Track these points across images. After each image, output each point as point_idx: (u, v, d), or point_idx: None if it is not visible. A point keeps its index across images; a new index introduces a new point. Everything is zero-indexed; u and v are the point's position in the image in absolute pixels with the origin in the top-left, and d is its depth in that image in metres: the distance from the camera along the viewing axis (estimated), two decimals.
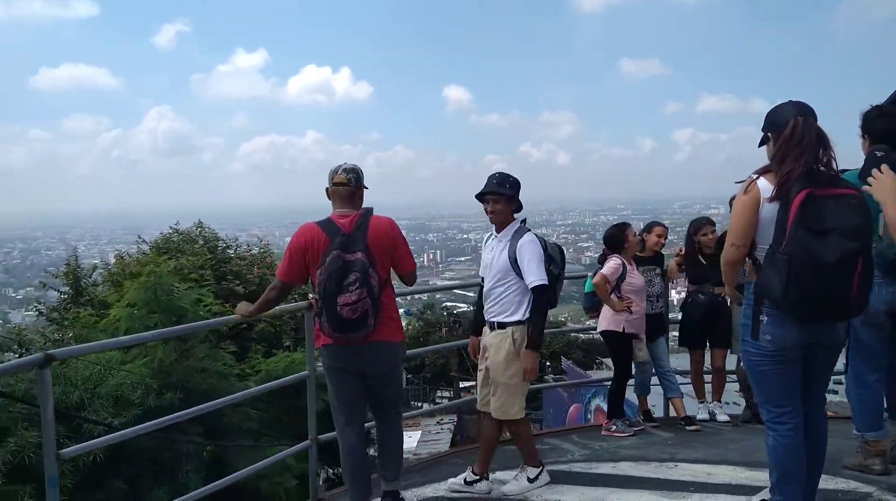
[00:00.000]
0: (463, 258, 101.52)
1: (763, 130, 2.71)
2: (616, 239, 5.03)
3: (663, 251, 5.48)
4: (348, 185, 3.31)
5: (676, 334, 5.56)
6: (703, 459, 4.08)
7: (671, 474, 3.80)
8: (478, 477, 3.79)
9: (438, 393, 26.26)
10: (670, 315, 5.64)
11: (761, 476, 3.60)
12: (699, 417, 5.32)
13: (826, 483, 3.09)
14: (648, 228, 5.36)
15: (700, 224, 5.31)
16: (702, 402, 5.48)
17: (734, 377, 5.66)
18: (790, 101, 2.63)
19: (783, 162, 2.51)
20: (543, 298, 3.59)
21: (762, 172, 2.60)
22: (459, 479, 3.83)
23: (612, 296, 4.89)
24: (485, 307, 3.82)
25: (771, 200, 2.51)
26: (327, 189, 3.37)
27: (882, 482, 3.24)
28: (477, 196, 3.74)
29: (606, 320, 5.01)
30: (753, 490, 3.33)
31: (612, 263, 4.91)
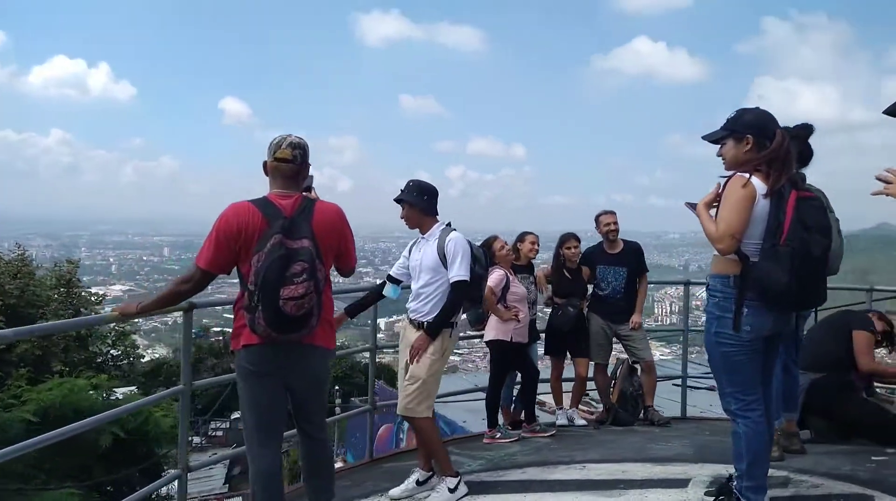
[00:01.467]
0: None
1: (731, 128, 2.86)
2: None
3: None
4: (293, 162, 2.85)
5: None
6: (603, 459, 4.20)
7: (589, 474, 3.84)
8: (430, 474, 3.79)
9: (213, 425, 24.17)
10: None
11: (672, 470, 3.81)
12: (558, 422, 5.55)
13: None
14: (521, 237, 5.49)
15: (566, 238, 5.60)
16: (560, 408, 5.71)
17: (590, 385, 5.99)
18: (763, 110, 2.84)
19: (772, 164, 2.69)
20: (460, 293, 3.69)
21: (746, 172, 2.75)
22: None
23: (498, 306, 4.90)
24: (412, 307, 3.80)
25: (766, 196, 2.67)
26: (265, 163, 2.89)
27: (792, 466, 3.61)
28: (395, 200, 3.83)
29: (494, 330, 5.02)
30: (678, 482, 3.49)
31: (496, 274, 4.93)
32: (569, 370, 5.87)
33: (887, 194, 2.64)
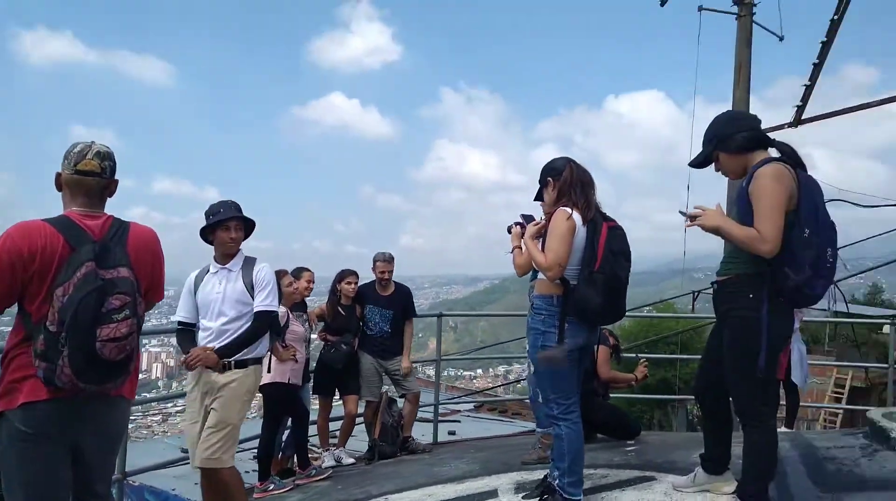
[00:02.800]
0: None
1: (541, 181, 3.28)
2: None
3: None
4: (101, 175, 2.36)
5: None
6: (401, 488, 4.14)
7: None
8: None
9: None
10: None
11: (474, 485, 3.96)
12: (325, 464, 5.31)
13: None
14: (297, 273, 5.25)
15: (345, 274, 5.55)
16: (327, 449, 5.50)
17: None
18: (558, 157, 3.30)
19: (570, 194, 3.10)
20: (264, 324, 3.51)
21: (563, 206, 3.12)
22: None
23: (276, 345, 4.59)
24: (217, 347, 3.40)
25: (584, 224, 3.06)
26: (58, 175, 2.35)
27: None
28: (212, 224, 3.53)
29: (272, 371, 4.65)
30: (489, 493, 3.63)
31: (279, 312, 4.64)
32: (337, 409, 5.74)
33: (696, 225, 2.89)
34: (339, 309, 5.49)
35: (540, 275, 3.14)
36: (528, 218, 3.26)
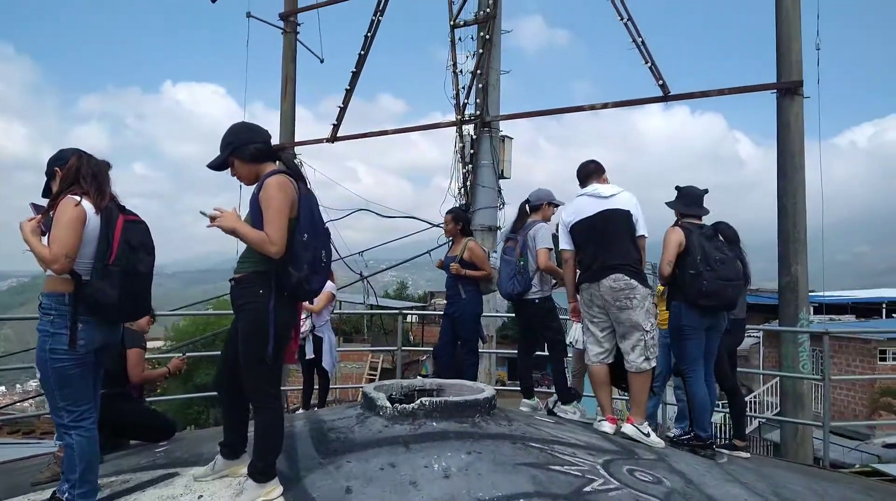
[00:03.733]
0: None
1: (48, 173, 3.12)
2: None
3: None
4: None
5: None
6: None
7: None
8: None
9: None
10: None
11: None
12: None
13: None
14: None
15: None
16: None
17: None
18: (66, 148, 3.14)
19: (81, 184, 2.98)
20: None
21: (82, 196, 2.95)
22: None
23: None
24: None
25: (96, 214, 2.92)
26: None
27: None
28: None
29: None
30: None
31: None
32: None
33: (215, 226, 3.03)
34: None
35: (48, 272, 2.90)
36: (40, 208, 2.98)
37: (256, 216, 2.99)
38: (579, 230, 4.70)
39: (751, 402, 19.07)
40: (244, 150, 3.10)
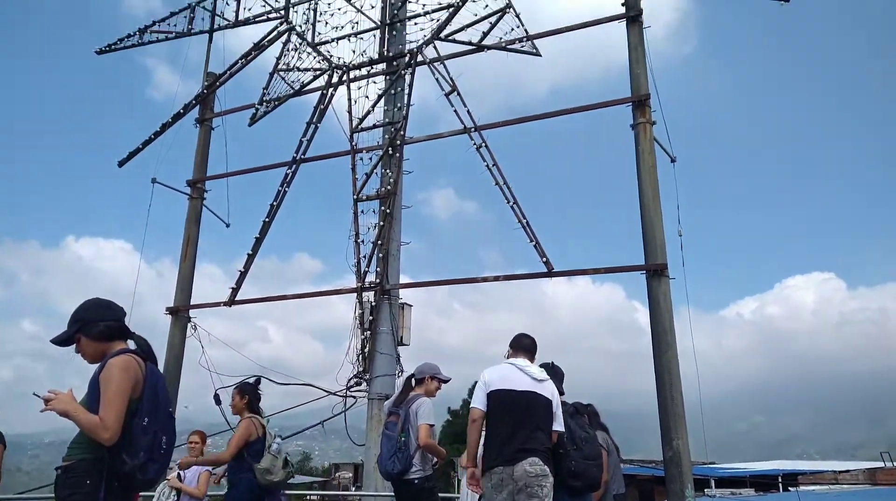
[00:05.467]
0: None
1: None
2: None
3: None
4: None
5: None
6: None
7: None
8: None
9: None
10: None
11: None
12: None
13: None
14: None
15: None
16: None
17: None
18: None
19: None
20: None
21: None
22: None
23: None
24: None
25: None
26: None
27: None
28: None
29: None
30: None
31: None
32: None
33: (50, 409, 2.88)
34: None
35: None
36: None
37: (94, 397, 2.86)
38: (501, 400, 4.47)
39: None
40: (93, 327, 3.04)
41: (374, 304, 10.38)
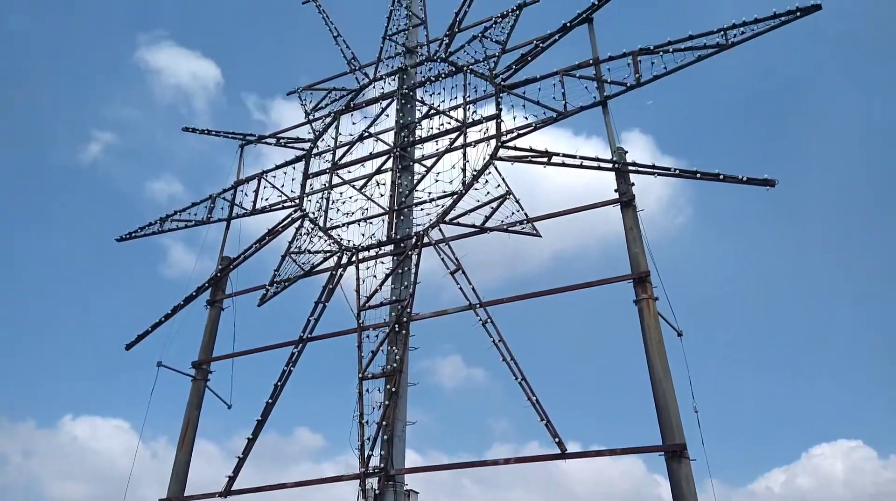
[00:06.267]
0: None
1: None
2: None
3: None
4: None
5: None
6: None
7: None
8: None
9: None
10: None
11: None
12: None
13: None
14: None
15: None
16: None
17: None
18: None
19: None
20: None
21: None
22: None
23: None
24: None
25: None
26: None
27: None
28: None
29: None
30: None
31: None
32: None
33: None
34: None
35: None
36: None
37: None
38: None
39: None
40: None
41: (377, 492, 9.77)
